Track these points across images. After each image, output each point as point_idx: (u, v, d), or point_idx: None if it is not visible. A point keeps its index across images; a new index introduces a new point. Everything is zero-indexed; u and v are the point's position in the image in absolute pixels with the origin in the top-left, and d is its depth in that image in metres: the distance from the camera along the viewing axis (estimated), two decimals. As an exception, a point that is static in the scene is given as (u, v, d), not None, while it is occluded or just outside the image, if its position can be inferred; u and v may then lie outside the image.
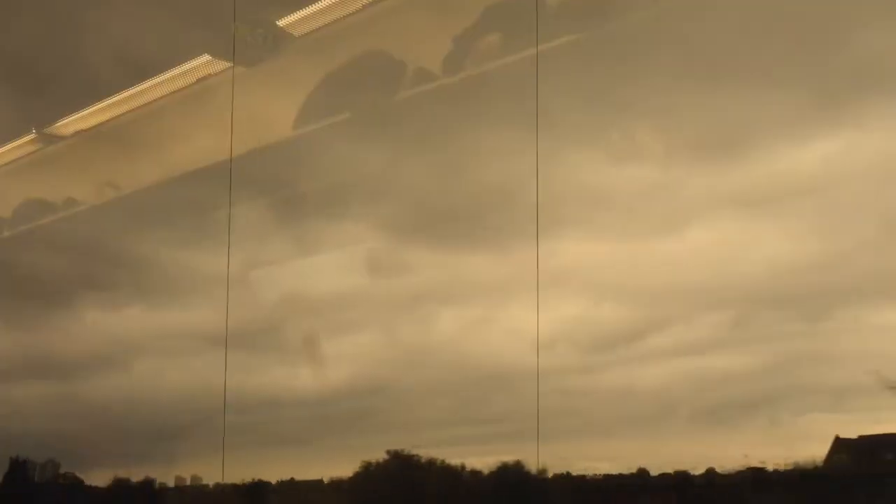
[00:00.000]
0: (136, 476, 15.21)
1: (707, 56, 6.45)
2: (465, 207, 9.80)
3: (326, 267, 12.24)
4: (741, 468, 10.30)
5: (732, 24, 5.99)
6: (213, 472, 15.87)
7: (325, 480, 13.71)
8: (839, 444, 6.42)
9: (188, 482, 14.80)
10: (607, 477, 12.15)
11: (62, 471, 14.01)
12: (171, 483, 14.59)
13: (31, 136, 6.42)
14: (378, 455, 13.25)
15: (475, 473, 11.97)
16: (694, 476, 11.57)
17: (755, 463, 10.26)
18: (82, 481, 13.97)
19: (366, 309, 13.21)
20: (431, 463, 12.09)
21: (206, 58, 5.12)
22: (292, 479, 14.43)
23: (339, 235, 11.92)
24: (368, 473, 12.13)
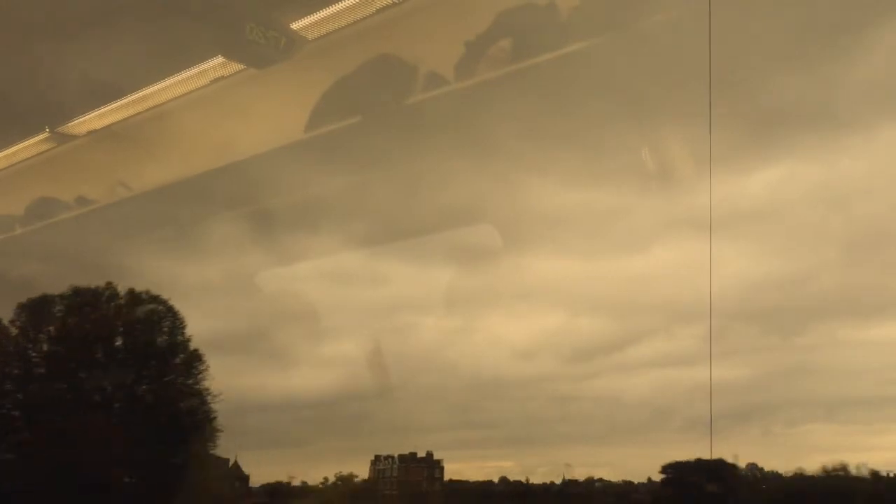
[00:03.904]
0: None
1: (636, 92, 6.94)
2: (431, 224, 10.27)
3: (308, 277, 12.66)
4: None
5: (656, 66, 6.48)
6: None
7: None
8: None
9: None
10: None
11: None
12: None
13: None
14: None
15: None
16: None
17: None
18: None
19: (349, 318, 13.47)
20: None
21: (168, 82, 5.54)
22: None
23: (318, 248, 12.31)
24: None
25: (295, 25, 4.74)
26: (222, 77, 5.38)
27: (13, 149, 7.11)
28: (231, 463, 15.06)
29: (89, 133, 6.61)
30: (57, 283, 12.46)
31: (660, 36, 5.85)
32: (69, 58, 6.19)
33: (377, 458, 15.11)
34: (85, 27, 5.57)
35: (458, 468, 13.94)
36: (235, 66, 5.31)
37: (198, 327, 13.82)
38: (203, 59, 5.34)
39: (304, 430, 15.89)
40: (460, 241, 9.79)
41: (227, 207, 9.23)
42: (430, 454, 15.03)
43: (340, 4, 4.57)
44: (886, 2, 5.98)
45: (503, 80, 5.29)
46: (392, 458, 15.31)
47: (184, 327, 14.08)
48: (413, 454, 14.96)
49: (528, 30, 4.98)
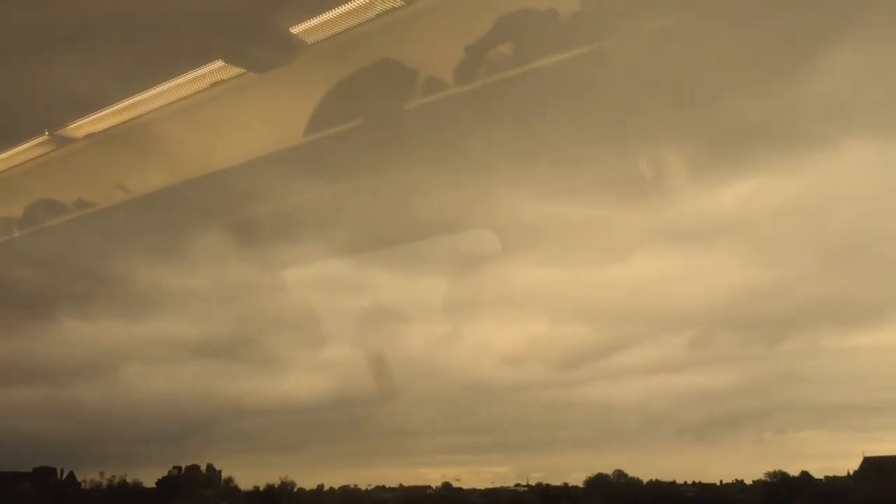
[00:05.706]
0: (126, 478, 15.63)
1: (605, 109, 7.18)
2: (412, 234, 10.60)
3: (295, 285, 13.02)
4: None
5: (623, 84, 6.73)
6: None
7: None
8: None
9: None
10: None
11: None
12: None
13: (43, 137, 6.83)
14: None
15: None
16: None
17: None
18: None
19: (339, 324, 14.03)
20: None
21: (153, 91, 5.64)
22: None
23: (304, 257, 12.63)
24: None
25: (295, 29, 4.82)
26: (221, 81, 5.49)
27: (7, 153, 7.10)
28: (66, 473, 17.13)
29: (87, 137, 6.72)
30: (52, 287, 12.56)
31: (635, 53, 6.11)
32: (67, 63, 6.12)
33: (173, 467, 17.96)
34: (82, 32, 5.60)
35: (455, 472, 14.25)
36: (235, 71, 5.45)
37: (189, 332, 14.02)
38: (201, 63, 5.36)
39: (297, 436, 16.36)
40: (448, 249, 10.02)
41: (220, 215, 9.41)
42: (210, 465, 18.08)
43: (337, 10, 4.67)
44: (846, 22, 6.31)
45: (495, 89, 5.45)
46: (180, 468, 18.22)
47: None
48: (196, 465, 17.96)
49: (523, 37, 5.11)
